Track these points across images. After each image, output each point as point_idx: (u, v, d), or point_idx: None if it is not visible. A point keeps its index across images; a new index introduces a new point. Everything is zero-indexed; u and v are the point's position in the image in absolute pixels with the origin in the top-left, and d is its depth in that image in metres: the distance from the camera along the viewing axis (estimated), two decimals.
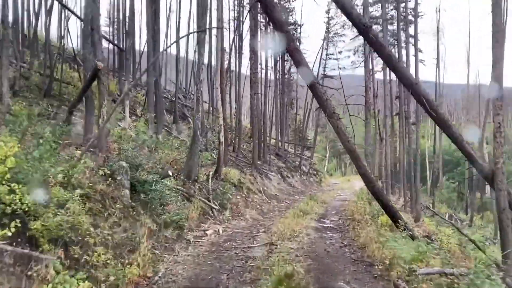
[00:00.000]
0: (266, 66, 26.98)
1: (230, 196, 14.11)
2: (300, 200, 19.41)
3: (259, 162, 22.85)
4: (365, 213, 13.34)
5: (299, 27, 30.97)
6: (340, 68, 34.98)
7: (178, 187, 11.09)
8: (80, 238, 6.31)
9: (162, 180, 9.89)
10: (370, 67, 19.76)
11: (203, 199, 11.62)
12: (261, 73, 27.75)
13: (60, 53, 19.16)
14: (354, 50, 27.35)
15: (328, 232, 11.42)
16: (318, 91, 8.05)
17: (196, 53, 12.01)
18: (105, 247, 6.66)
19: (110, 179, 8.65)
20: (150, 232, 8.47)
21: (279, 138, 31.20)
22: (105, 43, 23.21)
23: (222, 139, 14.37)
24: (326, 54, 34.68)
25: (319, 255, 8.08)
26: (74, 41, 35.55)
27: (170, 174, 10.09)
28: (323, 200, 18.79)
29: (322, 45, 33.53)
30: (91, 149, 9.82)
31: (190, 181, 11.90)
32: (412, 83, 7.66)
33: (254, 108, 20.68)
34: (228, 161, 19.87)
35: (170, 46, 17.85)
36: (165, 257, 7.64)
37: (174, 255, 7.84)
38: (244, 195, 15.83)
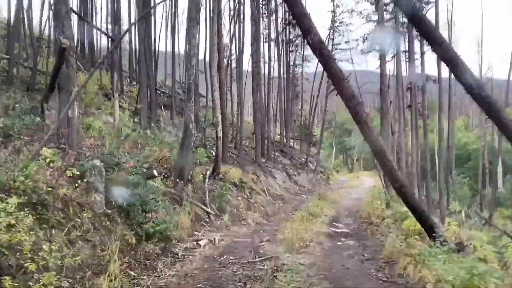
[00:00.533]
0: (270, 57, 25.35)
1: (230, 198, 12.55)
2: (308, 200, 17.78)
3: (262, 160, 21.26)
4: (383, 215, 11.72)
5: None
6: (348, 60, 33.36)
7: (168, 189, 9.53)
8: (22, 261, 4.78)
9: (147, 182, 8.34)
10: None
11: (197, 203, 10.05)
12: (264, 66, 26.15)
13: (48, 45, 17.62)
14: (363, 37, 25.67)
15: (343, 239, 9.81)
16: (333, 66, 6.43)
17: (188, 35, 10.43)
18: (59, 272, 5.12)
19: (79, 181, 7.13)
20: (128, 247, 6.91)
21: (284, 134, 29.56)
22: (107, 41, 21.65)
23: (220, 134, 12.80)
24: (333, 45, 32.95)
25: (337, 274, 6.47)
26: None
27: (156, 174, 8.52)
28: (334, 200, 17.15)
29: (328, 35, 31.83)
30: (61, 146, 8.30)
31: (183, 182, 10.33)
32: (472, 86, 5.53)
33: (257, 101, 19.06)
34: (229, 159, 18.30)
35: (135, 23, 16.01)
36: (142, 279, 6.06)
37: (155, 276, 6.26)
38: (246, 196, 14.25)
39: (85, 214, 6.56)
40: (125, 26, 21.59)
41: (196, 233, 9.06)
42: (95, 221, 6.80)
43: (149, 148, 10.43)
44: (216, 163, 12.90)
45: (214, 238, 8.88)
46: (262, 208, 14.41)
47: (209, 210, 10.22)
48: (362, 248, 8.63)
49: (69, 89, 8.01)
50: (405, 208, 10.50)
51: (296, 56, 33.94)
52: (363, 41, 26.29)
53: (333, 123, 54.15)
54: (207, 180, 12.02)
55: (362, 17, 25.98)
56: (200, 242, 8.40)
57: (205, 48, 21.32)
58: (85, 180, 7.26)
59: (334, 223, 12.04)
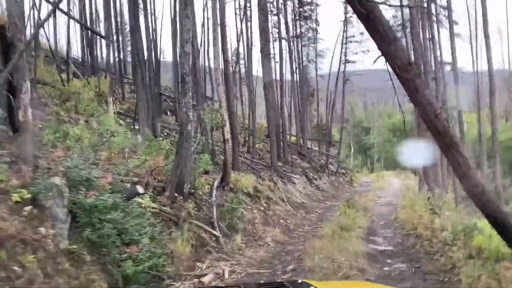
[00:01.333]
0: (281, 51, 23.19)
1: (243, 212, 10.50)
2: (334, 208, 15.57)
3: (279, 164, 19.12)
4: (432, 225, 9.42)
5: (316, 6, 27.13)
6: (364, 52, 31.10)
7: (161, 208, 7.49)
8: None
9: (129, 201, 6.32)
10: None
11: (200, 224, 7.98)
12: (274, 66, 24.06)
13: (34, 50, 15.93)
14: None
15: (389, 261, 7.62)
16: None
17: (180, 16, 8.45)
18: None
19: (31, 207, 5.20)
20: None
21: (300, 135, 27.36)
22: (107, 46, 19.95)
23: (227, 136, 10.76)
24: (346, 37, 30.68)
25: None
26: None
27: (141, 191, 6.49)
28: (364, 206, 14.86)
29: (343, 27, 29.58)
30: (11, 159, 6.34)
31: (182, 197, 8.29)
32: None
33: (269, 98, 16.97)
34: (242, 165, 16.23)
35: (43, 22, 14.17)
36: None
37: None
38: (262, 208, 12.14)
39: (31, 256, 4.58)
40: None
41: (199, 264, 6.97)
42: (48, 265, 4.80)
43: (137, 158, 8.41)
44: (225, 171, 10.84)
45: (223, 270, 6.79)
46: (282, 221, 12.28)
47: (215, 232, 8.12)
48: (420, 276, 6.41)
49: (20, 85, 6.06)
50: (470, 218, 8.28)
51: (309, 51, 31.79)
52: None
53: (350, 122, 51.61)
54: (214, 192, 9.96)
55: None
56: (203, 279, 6.33)
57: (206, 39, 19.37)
58: (43, 205, 5.33)
59: (371, 238, 9.82)
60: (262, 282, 5.49)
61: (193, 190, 9.06)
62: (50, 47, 17.29)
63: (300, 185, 18.45)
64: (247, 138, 20.21)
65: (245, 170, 15.79)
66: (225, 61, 13.25)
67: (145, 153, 8.88)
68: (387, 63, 4.58)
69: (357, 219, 12.05)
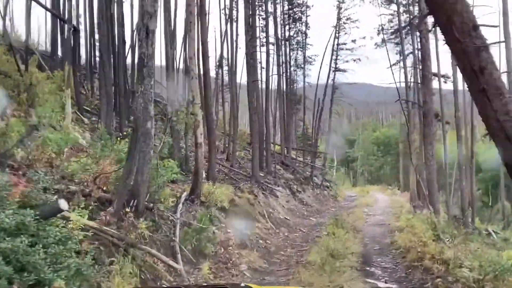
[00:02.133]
0: (268, 56, 21.52)
1: (216, 232, 8.70)
2: (320, 226, 13.90)
3: (261, 174, 17.40)
4: (442, 256, 7.81)
5: (307, 8, 25.72)
6: (355, 60, 29.88)
7: (104, 228, 5.65)
8: None
9: (47, 221, 4.49)
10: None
11: (152, 251, 6.13)
12: (261, 71, 22.42)
13: None
14: (379, 29, 22.10)
15: None
16: None
17: None
18: None
19: None
20: None
21: (285, 144, 25.73)
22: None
23: (200, 140, 8.98)
24: (337, 44, 29.43)
25: None
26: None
27: (65, 207, 4.64)
28: (353, 226, 13.21)
29: (334, 32, 28.33)
30: None
31: (135, 213, 6.46)
32: None
33: (253, 101, 15.30)
34: (219, 174, 14.48)
35: None
36: None
37: None
38: (239, 226, 10.35)
39: None
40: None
41: None
42: None
43: (76, 160, 6.54)
44: (195, 181, 9.07)
45: None
46: (261, 241, 10.52)
47: (173, 263, 6.29)
48: None
49: None
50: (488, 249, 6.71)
51: (298, 55, 30.31)
52: (378, 34, 22.65)
53: (334, 133, 50.00)
54: (180, 206, 8.16)
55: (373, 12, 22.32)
56: None
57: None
58: None
59: (368, 269, 8.15)
60: (205, 284, 6.00)
61: (151, 204, 7.24)
62: (7, 35, 15.31)
63: (283, 198, 16.74)
64: (227, 145, 18.47)
65: (222, 180, 14.03)
66: (204, 54, 11.53)
67: (92, 156, 7.02)
68: (459, 59, 2.88)
69: (347, 242, 10.40)
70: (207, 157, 12.83)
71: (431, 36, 16.23)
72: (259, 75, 19.92)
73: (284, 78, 24.91)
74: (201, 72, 11.87)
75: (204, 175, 12.85)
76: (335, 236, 10.98)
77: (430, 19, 16.01)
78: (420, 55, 11.15)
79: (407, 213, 14.50)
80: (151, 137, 6.63)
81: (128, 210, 6.50)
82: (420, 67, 15.96)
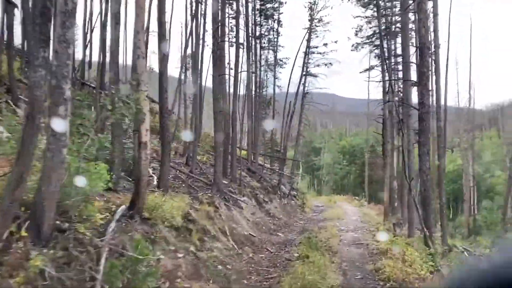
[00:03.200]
0: (237, 45, 19.48)
1: (161, 258, 6.66)
2: (290, 244, 12.13)
3: (225, 182, 15.45)
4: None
5: (280, 5, 24.05)
6: (326, 65, 28.64)
7: None
8: None
9: None
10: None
11: None
12: (229, 72, 20.47)
13: None
14: (356, 29, 20.75)
15: None
16: None
17: None
18: None
19: None
20: None
21: (251, 149, 23.89)
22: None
23: (145, 139, 6.93)
24: (309, 47, 28.08)
25: None
26: None
27: None
28: (328, 245, 11.52)
29: (307, 34, 26.93)
30: None
31: (39, 237, 4.37)
32: None
33: (219, 98, 13.34)
34: (175, 181, 12.45)
35: None
36: None
37: None
38: (193, 248, 8.36)
39: None
40: None
41: None
42: None
43: None
44: (136, 191, 7.01)
45: None
46: (220, 267, 8.55)
47: None
48: None
49: None
50: None
51: (268, 54, 28.71)
52: (356, 34, 21.32)
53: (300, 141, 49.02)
54: (112, 225, 6.09)
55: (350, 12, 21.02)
56: None
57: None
58: None
59: None
60: None
61: (66, 225, 5.15)
62: None
63: (248, 210, 14.84)
64: (187, 147, 16.37)
65: (178, 188, 12.00)
66: (161, 36, 9.50)
67: None
68: None
69: (323, 268, 8.65)
70: (161, 160, 10.78)
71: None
72: (227, 74, 17.99)
73: (253, 78, 23.12)
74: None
75: (155, 183, 10.83)
76: (309, 260, 9.23)
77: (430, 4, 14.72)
78: (418, 52, 9.58)
79: (386, 231, 12.98)
80: (64, 130, 4.55)
81: (25, 233, 4.41)
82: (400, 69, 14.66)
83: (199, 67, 14.58)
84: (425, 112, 8.32)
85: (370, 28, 21.50)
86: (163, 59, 9.66)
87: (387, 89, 16.74)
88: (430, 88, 11.43)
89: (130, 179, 10.13)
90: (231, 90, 19.03)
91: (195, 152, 14.42)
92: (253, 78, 23.13)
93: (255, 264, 9.71)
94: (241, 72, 19.63)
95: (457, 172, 55.04)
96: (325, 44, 27.75)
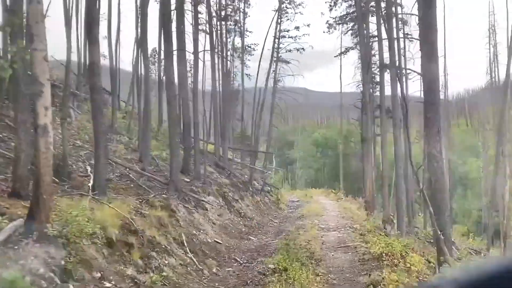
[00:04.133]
0: (196, 42, 16.77)
1: None
2: (264, 251, 10.10)
3: (186, 179, 13.26)
4: None
5: None
6: (298, 50, 26.79)
7: None
8: None
9: None
10: None
11: None
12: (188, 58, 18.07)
13: None
14: (331, 3, 18.87)
15: None
16: None
17: None
18: None
19: None
20: None
21: (220, 143, 21.69)
22: None
23: (44, 120, 4.66)
24: (279, 30, 26.12)
25: None
26: None
27: None
28: (309, 251, 9.54)
29: (277, 17, 24.93)
30: None
31: None
32: None
33: (171, 76, 11.07)
34: (121, 181, 10.20)
35: None
36: None
37: None
38: (132, 270, 6.15)
39: None
40: None
41: None
42: None
43: None
44: (36, 198, 4.75)
45: None
46: None
47: None
48: None
49: None
50: None
51: (235, 37, 26.54)
52: (330, 9, 19.45)
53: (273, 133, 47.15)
54: None
55: None
56: None
57: None
58: None
59: None
60: None
61: None
62: None
63: (214, 211, 12.70)
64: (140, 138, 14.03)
65: (125, 190, 9.73)
66: None
67: None
68: None
69: (308, 286, 6.65)
70: (94, 155, 8.46)
71: None
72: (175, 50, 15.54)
73: (219, 61, 20.90)
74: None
75: (90, 184, 8.54)
76: (287, 274, 7.23)
77: None
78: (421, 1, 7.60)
79: (376, 230, 11.16)
80: None
81: None
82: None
83: (146, 44, 12.15)
84: (433, 79, 6.34)
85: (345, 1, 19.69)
86: (92, 21, 7.34)
87: (367, 66, 14.93)
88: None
89: (58, 181, 7.83)
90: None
91: (148, 145, 12.12)
92: (219, 62, 20.91)
93: (219, 282, 7.60)
94: (204, 52, 17.28)
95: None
96: (297, 28, 25.89)
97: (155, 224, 8.42)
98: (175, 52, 12.25)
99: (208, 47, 19.38)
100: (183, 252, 8.29)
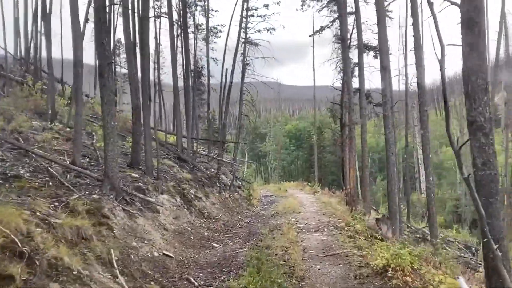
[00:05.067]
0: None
1: None
2: (230, 263, 7.73)
3: (134, 175, 10.72)
4: None
5: None
6: (268, 30, 24.49)
7: None
8: None
9: None
10: None
11: None
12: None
13: None
14: None
15: None
16: None
17: None
18: None
19: None
20: None
21: (182, 132, 19.08)
22: None
23: None
24: (247, 9, 23.72)
25: None
26: None
27: None
28: (288, 263, 7.25)
29: None
30: None
31: None
32: None
33: (104, 39, 8.46)
34: (36, 178, 7.56)
35: None
36: None
37: None
38: None
39: None
40: None
41: None
42: None
43: None
44: None
45: None
46: None
47: None
48: None
49: None
50: None
51: (199, 13, 23.94)
52: None
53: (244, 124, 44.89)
54: None
55: None
56: None
57: None
58: None
59: None
60: None
61: None
62: None
63: (169, 213, 10.21)
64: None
65: (36, 190, 7.12)
66: None
67: None
68: None
69: None
70: None
71: None
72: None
73: (182, 40, 18.27)
74: None
75: None
76: None
77: None
78: None
79: (367, 231, 8.98)
80: None
81: None
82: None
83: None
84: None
85: None
86: None
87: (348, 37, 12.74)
88: None
89: None
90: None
91: (79, 132, 9.44)
92: (178, 40, 18.27)
93: None
94: (155, 18, 14.58)
95: (402, 150, 54.04)
96: (266, 5, 23.53)
97: (70, 237, 5.91)
98: None
99: (166, 24, 16.75)
100: (110, 276, 5.81)
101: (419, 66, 13.18)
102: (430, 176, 11.37)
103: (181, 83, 18.76)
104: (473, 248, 16.87)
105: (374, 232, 9.24)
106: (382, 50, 11.93)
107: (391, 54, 19.95)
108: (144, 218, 8.73)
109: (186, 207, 11.65)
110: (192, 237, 9.90)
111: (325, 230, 10.80)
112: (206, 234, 10.78)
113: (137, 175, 10.96)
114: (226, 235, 11.23)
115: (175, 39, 16.94)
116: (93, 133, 13.39)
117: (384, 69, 10.93)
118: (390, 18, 19.32)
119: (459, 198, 44.93)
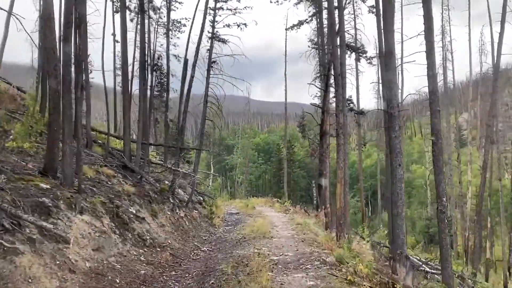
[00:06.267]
0: None
1: None
2: None
3: (44, 186, 7.43)
4: None
5: None
6: (239, 25, 21.74)
7: None
8: None
9: None
10: None
11: None
12: None
13: None
14: None
15: None
16: None
17: None
18: None
19: None
20: None
21: (133, 137, 15.77)
22: None
23: None
24: (215, 1, 20.99)
25: None
26: None
27: None
28: None
29: None
30: None
31: None
32: None
33: None
34: None
35: None
36: None
37: None
38: None
39: None
40: None
41: None
42: None
43: None
44: None
45: None
46: None
47: None
48: None
49: None
50: None
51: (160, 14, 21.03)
52: None
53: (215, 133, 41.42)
54: None
55: None
56: None
57: None
58: None
59: None
60: None
61: None
62: None
63: (85, 243, 6.97)
64: None
65: None
66: None
67: None
68: None
69: None
70: None
71: None
72: None
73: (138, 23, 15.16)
74: None
75: None
76: None
77: None
78: None
79: (377, 274, 6.12)
80: None
81: None
82: None
83: None
84: None
85: None
86: None
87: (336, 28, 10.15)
88: None
89: None
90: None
91: None
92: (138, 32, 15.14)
93: None
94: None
95: (374, 166, 52.51)
96: None
97: None
98: None
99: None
100: None
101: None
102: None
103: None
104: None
105: (383, 275, 6.42)
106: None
107: None
108: (34, 255, 5.48)
109: (118, 233, 8.41)
110: (117, 280, 6.68)
111: (309, 267, 7.86)
112: (142, 272, 7.58)
113: (48, 186, 7.69)
114: (173, 273, 8.08)
115: (126, 20, 13.79)
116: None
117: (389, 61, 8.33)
118: None
119: (431, 218, 43.37)
